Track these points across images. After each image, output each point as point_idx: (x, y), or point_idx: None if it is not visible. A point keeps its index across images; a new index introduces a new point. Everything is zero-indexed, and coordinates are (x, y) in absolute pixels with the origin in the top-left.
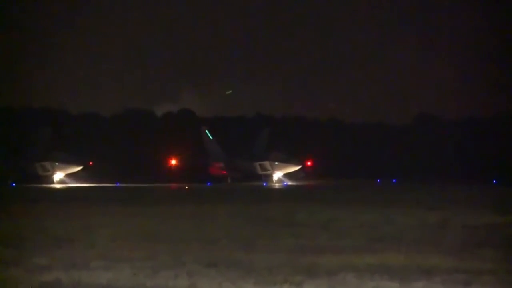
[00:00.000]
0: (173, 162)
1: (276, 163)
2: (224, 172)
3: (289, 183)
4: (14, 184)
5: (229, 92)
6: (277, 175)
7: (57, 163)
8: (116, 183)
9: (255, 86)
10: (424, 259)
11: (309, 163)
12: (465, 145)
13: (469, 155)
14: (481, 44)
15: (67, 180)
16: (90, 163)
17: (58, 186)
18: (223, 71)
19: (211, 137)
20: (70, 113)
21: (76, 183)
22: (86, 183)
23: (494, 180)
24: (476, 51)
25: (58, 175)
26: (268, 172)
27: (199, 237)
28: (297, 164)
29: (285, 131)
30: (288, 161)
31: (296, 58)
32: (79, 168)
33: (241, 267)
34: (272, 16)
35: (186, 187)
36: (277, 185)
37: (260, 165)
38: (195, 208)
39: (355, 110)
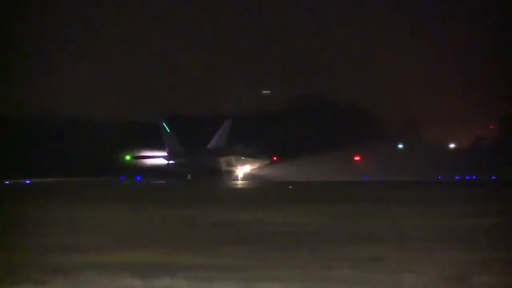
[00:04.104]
0: (127, 157)
1: (243, 158)
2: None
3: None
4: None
5: (266, 92)
6: (242, 171)
7: None
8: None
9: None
10: (170, 256)
11: (275, 158)
12: None
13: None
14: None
15: None
16: None
17: None
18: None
19: (169, 131)
20: None
21: None
22: None
23: None
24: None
25: None
26: (233, 168)
27: None
28: (264, 159)
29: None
30: (255, 156)
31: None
32: None
33: None
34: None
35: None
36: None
37: (224, 160)
38: None
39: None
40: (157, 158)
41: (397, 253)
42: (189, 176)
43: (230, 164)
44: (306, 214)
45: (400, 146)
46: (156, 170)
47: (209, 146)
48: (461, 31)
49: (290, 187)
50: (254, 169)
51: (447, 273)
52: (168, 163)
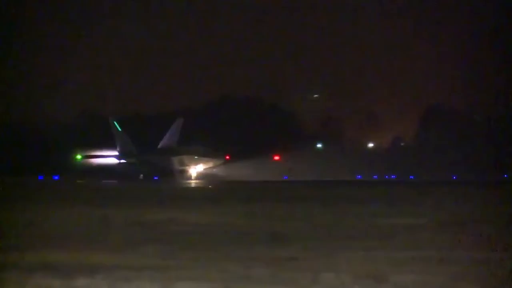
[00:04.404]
0: (78, 156)
1: (196, 157)
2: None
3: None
4: None
5: (316, 95)
6: (196, 170)
7: None
8: None
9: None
10: (88, 256)
11: (227, 157)
12: None
13: None
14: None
15: None
16: None
17: None
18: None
19: (119, 129)
20: None
21: None
22: None
23: None
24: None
25: None
26: (186, 167)
27: None
28: (219, 158)
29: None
30: (210, 155)
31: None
32: None
33: None
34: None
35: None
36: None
37: (177, 159)
38: None
39: None
40: (108, 157)
41: (311, 253)
42: (141, 176)
43: (183, 164)
44: (223, 214)
45: (319, 145)
46: (107, 169)
47: (160, 145)
48: (386, 29)
49: (210, 186)
50: (208, 168)
51: (364, 272)
52: (120, 163)
